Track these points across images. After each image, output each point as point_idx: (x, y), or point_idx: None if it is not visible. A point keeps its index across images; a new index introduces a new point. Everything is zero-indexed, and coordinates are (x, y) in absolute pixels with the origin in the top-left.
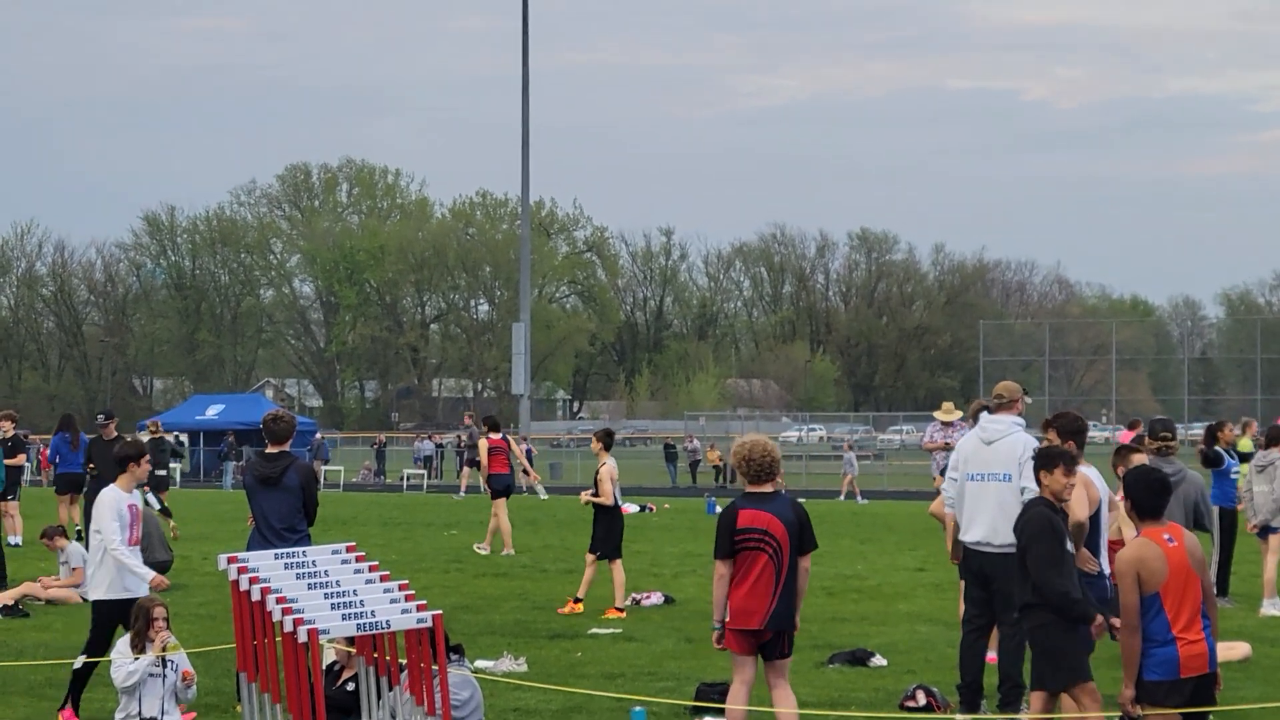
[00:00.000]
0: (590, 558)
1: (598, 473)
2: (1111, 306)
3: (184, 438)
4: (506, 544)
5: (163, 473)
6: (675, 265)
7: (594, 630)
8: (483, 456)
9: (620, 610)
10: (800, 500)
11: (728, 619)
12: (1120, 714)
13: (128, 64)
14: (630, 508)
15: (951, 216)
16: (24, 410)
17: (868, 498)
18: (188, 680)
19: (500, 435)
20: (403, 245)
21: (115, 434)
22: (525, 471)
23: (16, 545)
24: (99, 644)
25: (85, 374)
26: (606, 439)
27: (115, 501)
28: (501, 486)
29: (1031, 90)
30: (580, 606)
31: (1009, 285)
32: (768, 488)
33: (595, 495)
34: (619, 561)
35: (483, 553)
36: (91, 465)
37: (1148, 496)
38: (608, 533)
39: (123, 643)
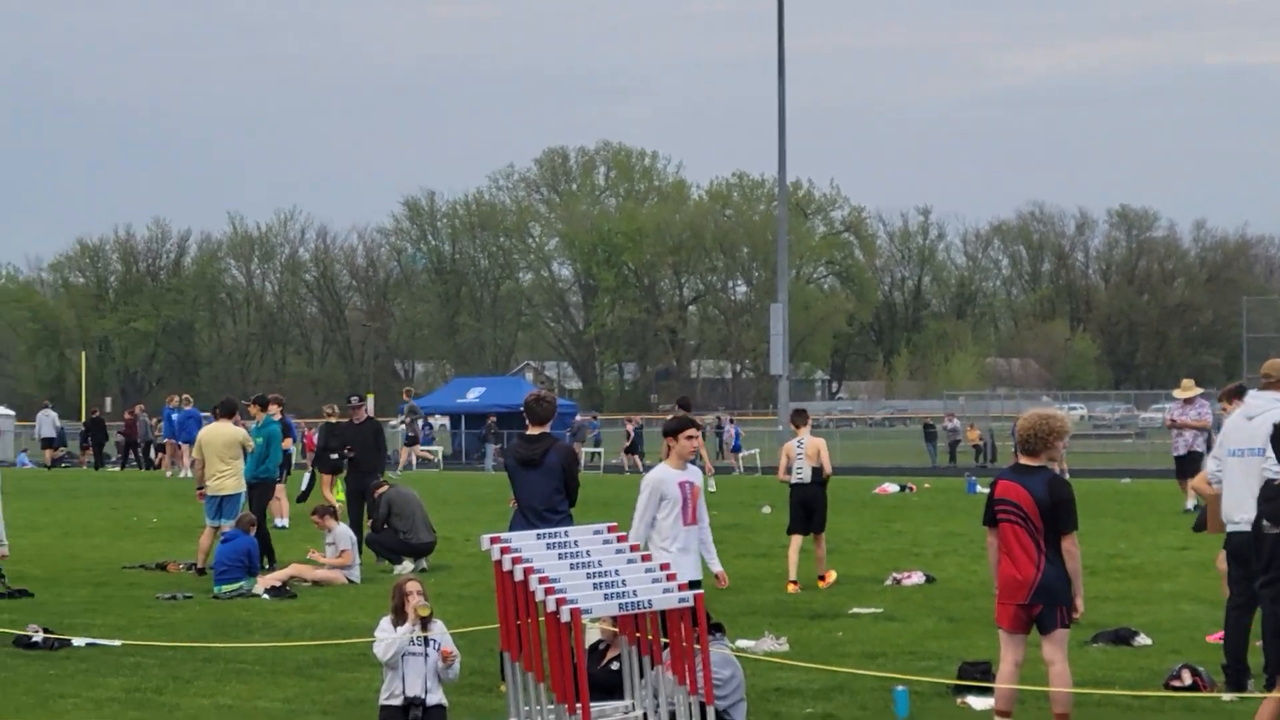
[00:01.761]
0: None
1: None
2: None
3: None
4: None
5: (336, 456)
6: (933, 244)
7: (855, 610)
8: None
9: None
10: (1066, 479)
11: (996, 593)
12: None
13: (386, 52)
14: (890, 487)
15: (1212, 193)
16: (289, 394)
17: (1129, 476)
18: (448, 660)
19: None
20: (660, 227)
21: (366, 416)
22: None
23: (283, 527)
24: None
25: (348, 358)
26: (799, 418)
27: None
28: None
29: None
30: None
31: (1273, 261)
32: (1034, 461)
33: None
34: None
35: None
36: (349, 449)
37: None
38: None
39: (384, 621)
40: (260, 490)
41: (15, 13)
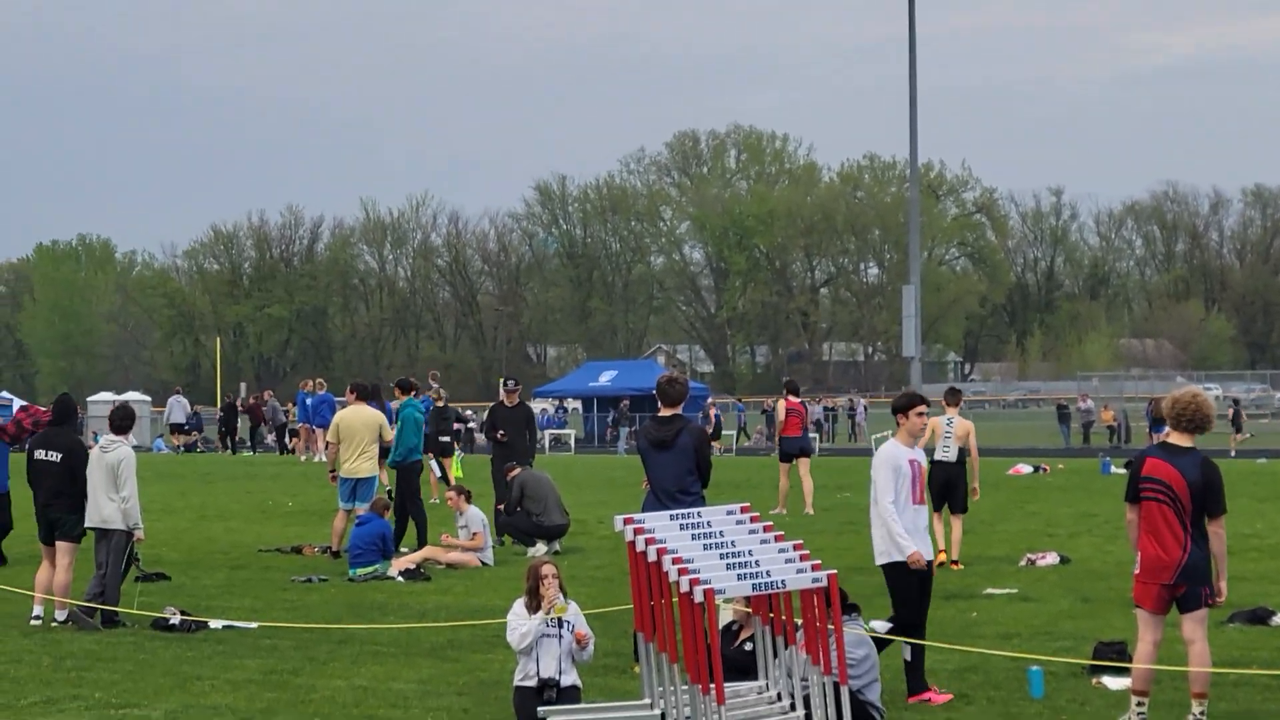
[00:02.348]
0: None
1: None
2: None
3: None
4: (806, 504)
5: (445, 439)
6: (1065, 225)
7: (989, 590)
8: (780, 417)
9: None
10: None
11: (1138, 572)
12: None
13: (519, 36)
14: (1024, 468)
15: None
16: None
17: (1267, 456)
18: (583, 642)
19: (799, 400)
20: (791, 210)
21: (518, 400)
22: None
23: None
24: None
25: (480, 343)
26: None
27: None
28: (795, 449)
29: None
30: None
31: None
32: (1186, 441)
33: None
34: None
35: (779, 515)
36: (500, 432)
37: None
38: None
39: (518, 604)
40: (406, 473)
41: (152, 7)
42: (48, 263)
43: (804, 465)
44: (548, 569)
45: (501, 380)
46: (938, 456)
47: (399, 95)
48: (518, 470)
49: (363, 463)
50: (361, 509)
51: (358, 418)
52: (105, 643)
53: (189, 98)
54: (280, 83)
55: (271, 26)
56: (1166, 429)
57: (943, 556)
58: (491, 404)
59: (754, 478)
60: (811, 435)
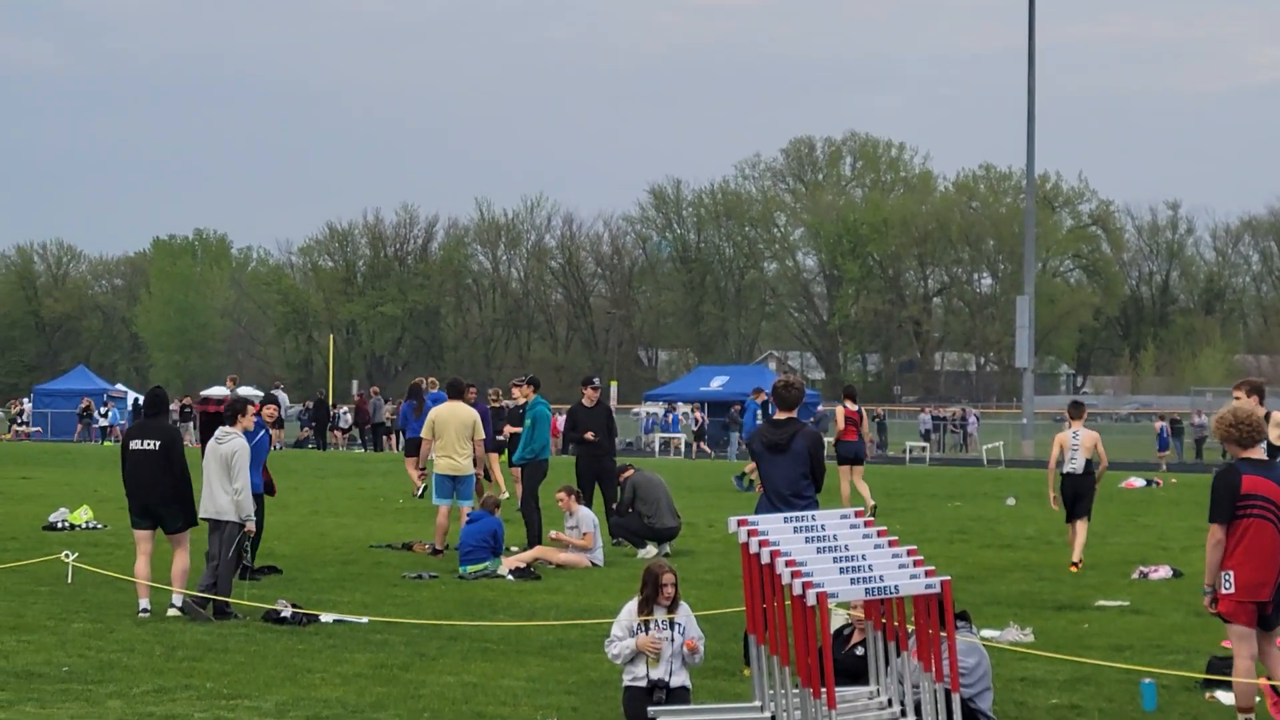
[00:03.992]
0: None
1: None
2: None
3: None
4: (867, 502)
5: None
6: (1182, 239)
7: (1101, 602)
8: (839, 425)
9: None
10: None
11: (1233, 591)
12: None
13: (635, 39)
14: (1137, 482)
15: None
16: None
17: None
18: (693, 649)
19: (856, 406)
20: (906, 218)
21: (597, 400)
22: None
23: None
24: None
25: (592, 345)
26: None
27: None
28: (851, 454)
29: None
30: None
31: None
32: (1258, 453)
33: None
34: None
35: None
36: (590, 432)
37: None
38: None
39: (630, 606)
40: (530, 470)
41: (270, 7)
42: (164, 257)
43: (857, 472)
44: (668, 576)
45: (586, 381)
46: (1066, 469)
47: (514, 96)
48: (630, 471)
49: (464, 459)
50: (465, 506)
51: (452, 415)
52: (217, 634)
53: (306, 95)
54: (397, 81)
55: (389, 27)
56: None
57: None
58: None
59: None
60: (871, 440)
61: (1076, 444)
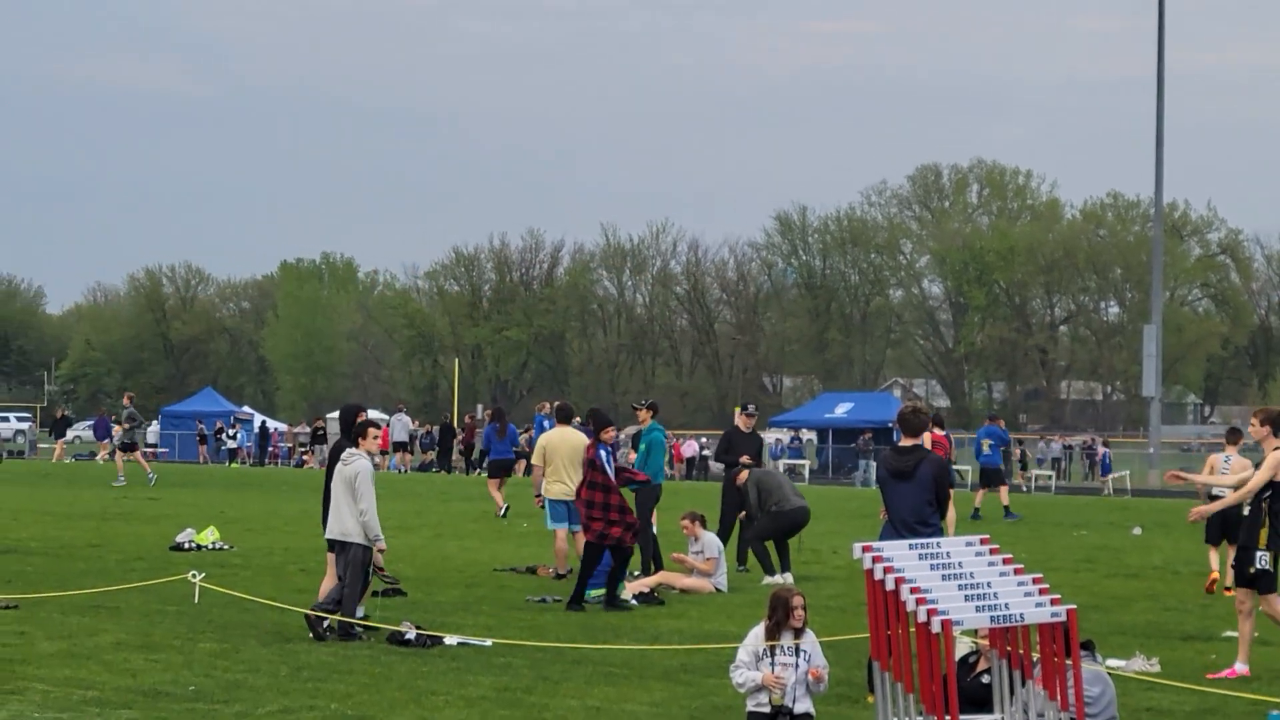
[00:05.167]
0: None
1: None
2: None
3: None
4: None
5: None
6: None
7: (1228, 633)
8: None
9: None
10: None
11: None
12: None
13: (761, 64)
14: None
15: None
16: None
17: None
18: (817, 678)
19: (944, 432)
20: (1032, 246)
21: (753, 427)
22: None
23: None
24: None
25: (716, 371)
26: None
27: None
28: None
29: None
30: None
31: None
32: None
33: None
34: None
35: None
36: (745, 456)
37: None
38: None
39: (757, 630)
40: (644, 495)
41: (398, 34)
42: (291, 280)
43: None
44: (797, 599)
45: (739, 406)
46: (1215, 492)
47: (640, 121)
48: (745, 473)
49: (572, 485)
50: (578, 531)
51: (563, 441)
52: (342, 655)
53: (431, 120)
54: (524, 107)
55: (517, 54)
56: None
57: (1219, 589)
58: (725, 430)
59: (989, 513)
60: (958, 466)
61: (1226, 468)
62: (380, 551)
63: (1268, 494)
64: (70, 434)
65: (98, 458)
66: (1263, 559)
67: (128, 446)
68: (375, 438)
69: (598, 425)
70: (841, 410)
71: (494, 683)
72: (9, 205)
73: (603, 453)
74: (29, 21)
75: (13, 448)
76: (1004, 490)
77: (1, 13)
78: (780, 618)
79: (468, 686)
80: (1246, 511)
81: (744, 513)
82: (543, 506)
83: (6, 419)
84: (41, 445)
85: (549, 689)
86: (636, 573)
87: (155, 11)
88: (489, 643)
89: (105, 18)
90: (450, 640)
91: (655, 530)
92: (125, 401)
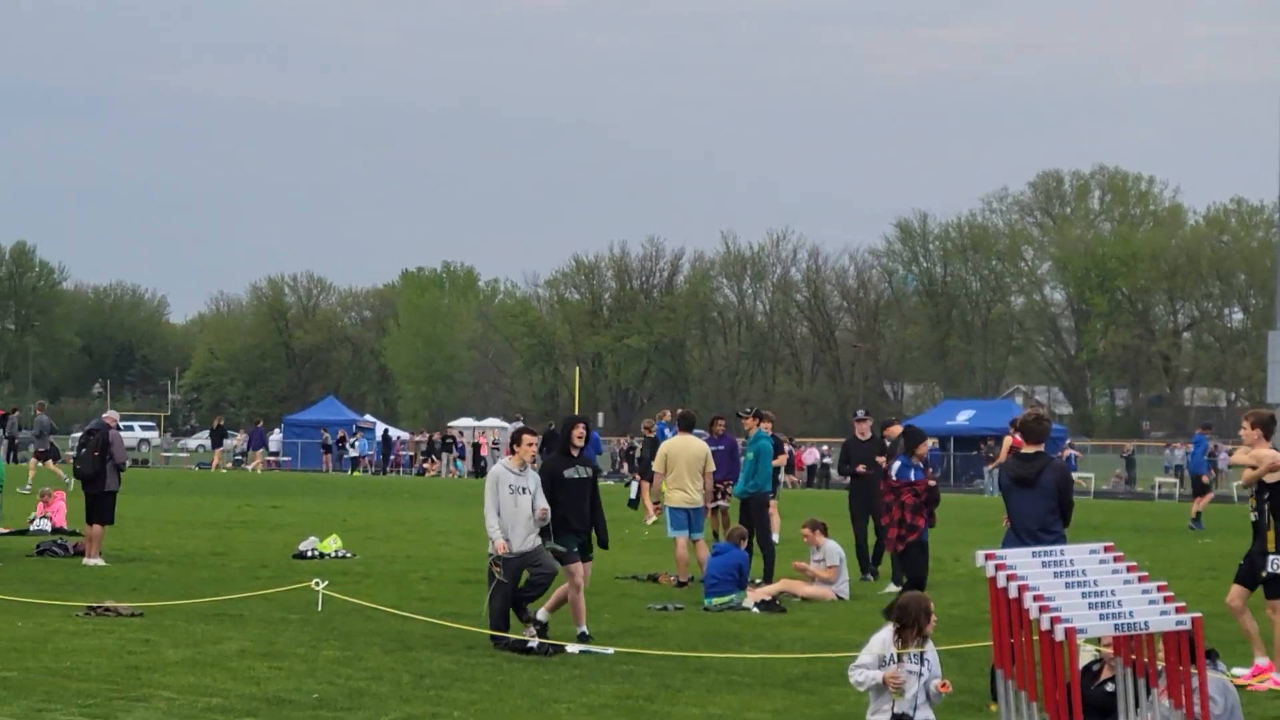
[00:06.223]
0: None
1: None
2: None
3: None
4: None
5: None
6: None
7: None
8: (1002, 454)
9: None
10: None
11: None
12: None
13: (885, 73)
14: None
15: None
16: (779, 414)
17: None
18: (947, 690)
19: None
20: (1155, 252)
21: (869, 434)
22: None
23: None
24: None
25: (837, 379)
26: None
27: None
28: None
29: None
30: None
31: None
32: None
33: None
34: None
35: None
36: (862, 465)
37: None
38: None
39: (884, 632)
40: (753, 504)
41: (518, 43)
42: (413, 289)
43: None
44: (931, 606)
45: (858, 410)
46: None
47: (762, 128)
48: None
49: (693, 493)
50: (699, 539)
51: (684, 449)
52: (464, 663)
53: (553, 129)
54: (643, 115)
55: (637, 62)
56: None
57: None
58: (844, 440)
59: (1112, 521)
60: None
61: None
62: (492, 554)
63: (1267, 497)
64: (226, 443)
65: (251, 467)
66: (1275, 563)
67: (44, 454)
68: (530, 445)
69: (910, 442)
70: (963, 417)
71: (616, 691)
72: (134, 216)
73: (911, 471)
74: (155, 34)
75: (137, 456)
76: (1202, 500)
77: (129, 25)
78: (919, 624)
79: (590, 694)
80: (1253, 518)
81: (872, 521)
82: (660, 516)
83: (131, 428)
84: (165, 454)
85: (671, 697)
86: (759, 580)
87: (279, 24)
88: (611, 651)
89: (230, 30)
90: (572, 648)
91: (777, 539)
92: (37, 411)
